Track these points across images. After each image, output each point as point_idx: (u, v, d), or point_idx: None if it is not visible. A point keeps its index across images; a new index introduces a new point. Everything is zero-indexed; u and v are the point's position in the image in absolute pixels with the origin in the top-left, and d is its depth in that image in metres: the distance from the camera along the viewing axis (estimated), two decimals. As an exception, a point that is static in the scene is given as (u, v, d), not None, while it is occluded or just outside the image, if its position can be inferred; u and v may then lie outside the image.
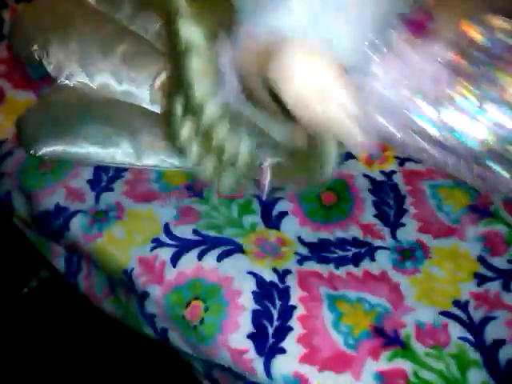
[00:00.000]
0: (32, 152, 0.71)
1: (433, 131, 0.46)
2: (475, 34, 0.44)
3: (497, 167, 0.48)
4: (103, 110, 0.75)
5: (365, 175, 0.72)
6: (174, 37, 0.47)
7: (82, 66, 0.78)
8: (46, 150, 0.71)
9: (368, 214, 0.67)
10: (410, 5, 0.45)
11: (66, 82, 0.78)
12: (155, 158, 0.72)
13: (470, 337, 0.55)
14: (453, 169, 0.50)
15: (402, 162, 0.73)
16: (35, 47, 0.80)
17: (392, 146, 0.58)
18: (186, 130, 0.52)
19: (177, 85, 0.50)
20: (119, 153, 0.71)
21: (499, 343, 0.55)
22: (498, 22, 0.45)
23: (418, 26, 0.44)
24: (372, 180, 0.71)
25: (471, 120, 0.45)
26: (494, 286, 0.59)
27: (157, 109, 0.75)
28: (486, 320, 0.57)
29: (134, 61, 0.77)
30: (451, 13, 0.45)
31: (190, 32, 0.47)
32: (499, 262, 0.61)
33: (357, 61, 0.43)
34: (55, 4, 0.84)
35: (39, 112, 0.76)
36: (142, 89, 0.76)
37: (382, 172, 0.72)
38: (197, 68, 0.48)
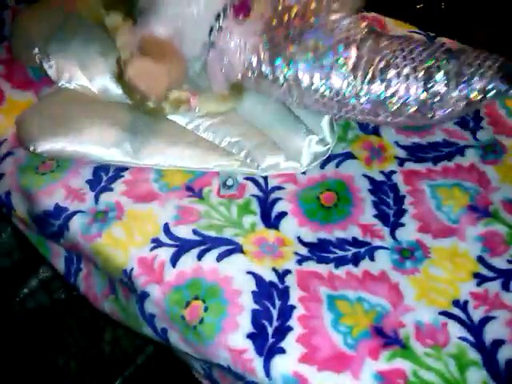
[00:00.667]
0: (31, 149, 0.71)
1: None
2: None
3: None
4: (103, 109, 0.75)
5: (364, 175, 0.72)
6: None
7: (82, 69, 0.78)
8: (45, 146, 0.71)
9: (368, 214, 0.67)
10: None
11: (67, 85, 0.78)
12: (155, 157, 0.72)
13: (469, 337, 0.55)
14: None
15: (401, 162, 0.73)
16: (36, 50, 0.80)
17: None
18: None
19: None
20: (119, 151, 0.71)
21: (498, 343, 0.55)
22: None
23: (242, 9, 0.65)
24: (371, 180, 0.71)
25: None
26: (494, 286, 0.59)
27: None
28: (486, 320, 0.57)
29: None
30: None
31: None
32: (499, 262, 0.61)
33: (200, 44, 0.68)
34: (55, 8, 0.84)
35: (39, 110, 0.77)
36: None
37: (382, 172, 0.72)
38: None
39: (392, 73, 0.63)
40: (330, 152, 0.73)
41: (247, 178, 0.72)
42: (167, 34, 0.69)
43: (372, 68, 0.63)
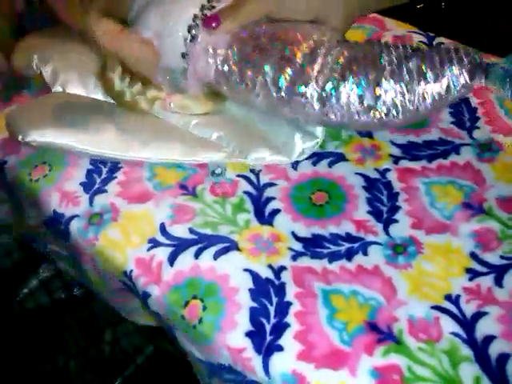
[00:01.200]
0: (20, 138, 0.71)
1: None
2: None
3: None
4: (93, 104, 0.77)
5: (357, 173, 0.72)
6: None
7: (79, 76, 0.79)
8: (34, 136, 0.71)
9: (361, 211, 0.68)
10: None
11: (61, 90, 0.79)
12: (143, 150, 0.72)
13: (461, 332, 0.56)
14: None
15: (396, 160, 0.73)
16: (35, 57, 0.81)
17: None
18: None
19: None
20: (107, 144, 0.72)
21: (490, 339, 0.55)
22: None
23: (212, 21, 0.68)
24: (366, 177, 0.71)
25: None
26: (486, 281, 0.60)
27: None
28: (478, 315, 0.57)
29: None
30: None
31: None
32: (491, 258, 0.62)
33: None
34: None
35: (29, 104, 0.79)
36: None
37: (376, 170, 0.72)
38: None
39: (353, 75, 0.64)
40: (318, 146, 0.74)
41: (239, 176, 0.73)
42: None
43: (335, 73, 0.64)
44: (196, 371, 0.69)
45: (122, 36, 0.69)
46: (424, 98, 0.64)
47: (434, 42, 0.91)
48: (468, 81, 0.63)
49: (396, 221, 0.66)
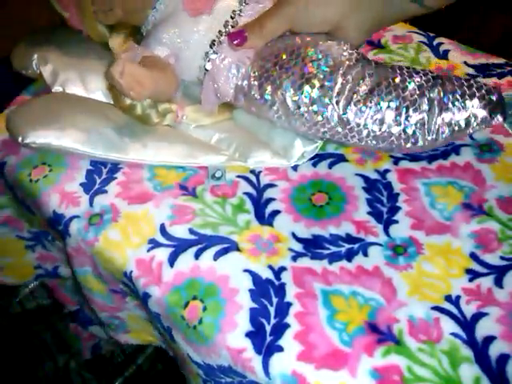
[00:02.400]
0: (20, 139, 0.71)
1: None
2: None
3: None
4: (93, 105, 0.77)
5: (357, 174, 0.72)
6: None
7: (78, 76, 0.79)
8: (33, 138, 0.71)
9: (361, 211, 0.68)
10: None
11: (61, 89, 0.79)
12: (143, 152, 0.72)
13: (461, 333, 0.56)
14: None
15: (396, 160, 0.73)
16: (35, 57, 0.81)
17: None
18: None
19: None
20: (106, 145, 0.72)
21: (490, 339, 0.55)
22: None
23: (237, 37, 0.68)
24: (365, 178, 0.71)
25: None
26: (486, 282, 0.60)
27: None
28: (478, 316, 0.57)
29: None
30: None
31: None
32: (491, 259, 0.62)
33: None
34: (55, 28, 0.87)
35: (29, 105, 0.78)
36: None
37: (377, 171, 0.72)
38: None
39: (374, 100, 0.64)
40: (317, 150, 0.74)
41: (239, 176, 0.73)
42: (165, 55, 0.72)
43: (356, 95, 0.65)
44: (191, 377, 0.70)
45: (146, 78, 0.65)
46: (443, 130, 0.65)
47: (435, 42, 0.91)
48: (488, 118, 0.64)
49: (396, 221, 0.66)
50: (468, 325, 0.56)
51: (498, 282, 0.60)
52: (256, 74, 0.68)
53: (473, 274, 0.61)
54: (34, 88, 0.87)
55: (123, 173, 0.73)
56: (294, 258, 0.63)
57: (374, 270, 0.62)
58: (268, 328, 0.57)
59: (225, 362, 0.58)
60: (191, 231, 0.66)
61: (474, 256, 0.62)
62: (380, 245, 0.64)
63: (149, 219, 0.68)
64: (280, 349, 0.56)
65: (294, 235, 0.66)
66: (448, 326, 0.56)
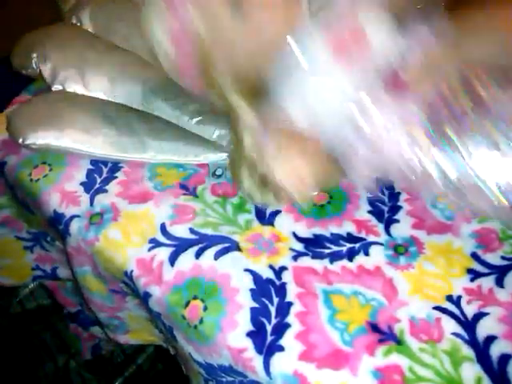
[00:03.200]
0: (20, 141, 0.71)
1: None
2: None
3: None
4: (92, 103, 0.76)
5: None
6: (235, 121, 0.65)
7: (77, 74, 0.79)
8: (34, 139, 0.71)
9: (362, 211, 0.68)
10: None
11: (61, 88, 0.79)
12: (143, 150, 0.72)
13: (462, 333, 0.56)
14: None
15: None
16: (34, 56, 0.81)
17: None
18: (244, 175, 0.65)
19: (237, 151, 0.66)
20: (106, 144, 0.72)
21: (491, 339, 0.55)
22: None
23: (396, 85, 0.53)
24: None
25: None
26: (487, 282, 0.60)
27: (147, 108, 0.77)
28: (479, 316, 0.57)
29: (128, 73, 0.79)
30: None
31: (247, 119, 0.63)
32: (492, 259, 0.62)
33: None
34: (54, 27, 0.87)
35: (30, 105, 0.78)
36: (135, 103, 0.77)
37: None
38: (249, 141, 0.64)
39: None
40: None
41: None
42: (307, 123, 0.59)
43: None
44: (192, 376, 0.69)
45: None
46: None
47: None
48: None
49: (397, 221, 0.66)
50: (469, 325, 0.56)
51: (499, 282, 0.60)
52: (430, 130, 0.53)
53: (474, 274, 0.60)
54: (34, 88, 0.87)
55: (124, 172, 0.73)
56: (295, 258, 0.63)
57: (375, 270, 0.62)
58: (269, 328, 0.57)
59: (225, 361, 0.58)
60: (192, 231, 0.66)
61: (475, 256, 0.62)
62: (381, 244, 0.64)
63: (149, 219, 0.68)
64: (281, 348, 0.56)
65: (294, 235, 0.66)
66: (449, 325, 0.56)
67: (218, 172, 0.72)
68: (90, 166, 0.74)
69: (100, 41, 0.84)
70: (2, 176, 0.79)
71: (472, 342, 0.55)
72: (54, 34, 0.86)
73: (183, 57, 0.62)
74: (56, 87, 0.79)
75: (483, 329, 0.56)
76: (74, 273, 0.75)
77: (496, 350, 0.54)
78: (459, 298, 0.59)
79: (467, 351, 0.54)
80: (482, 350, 0.54)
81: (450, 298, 0.59)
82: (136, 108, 0.77)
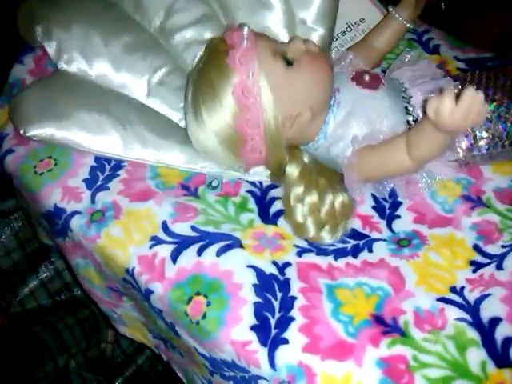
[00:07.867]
0: (22, 132, 0.71)
1: None
2: None
3: None
4: (99, 98, 0.75)
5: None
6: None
7: (82, 52, 0.77)
8: (35, 131, 0.71)
9: (367, 205, 0.68)
10: None
11: (65, 67, 0.77)
12: (143, 152, 0.72)
13: (466, 316, 0.56)
14: None
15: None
16: (38, 30, 0.79)
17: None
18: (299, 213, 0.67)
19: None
20: (107, 141, 0.71)
21: (496, 321, 0.55)
22: None
23: None
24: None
25: None
26: (489, 270, 0.60)
27: (152, 103, 0.76)
28: (482, 298, 0.57)
29: (135, 53, 0.77)
30: None
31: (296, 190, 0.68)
32: (493, 249, 0.62)
33: None
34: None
35: (34, 93, 0.76)
36: (139, 81, 0.76)
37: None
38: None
39: None
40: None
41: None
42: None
43: None
44: (197, 369, 0.70)
45: None
46: None
47: (424, 38, 0.90)
48: None
49: (398, 216, 0.67)
50: (472, 308, 0.57)
51: (500, 266, 0.60)
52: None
53: (476, 266, 0.61)
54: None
55: (126, 170, 0.72)
56: (299, 254, 0.63)
57: (379, 262, 0.62)
58: (273, 321, 0.57)
59: (228, 357, 0.58)
60: (193, 228, 0.66)
61: (477, 248, 0.63)
62: (384, 240, 0.64)
63: (151, 216, 0.67)
64: (285, 341, 0.56)
65: None
66: (453, 313, 0.57)
67: (214, 183, 0.71)
68: (94, 163, 0.73)
69: (107, 11, 0.81)
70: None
71: (477, 324, 0.55)
72: (55, 4, 0.82)
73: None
74: (61, 66, 0.78)
75: (487, 310, 0.56)
76: (74, 265, 0.75)
77: (500, 333, 0.54)
78: (462, 288, 0.59)
79: (472, 334, 0.55)
80: (486, 332, 0.55)
81: (453, 289, 0.59)
82: (139, 101, 0.76)
